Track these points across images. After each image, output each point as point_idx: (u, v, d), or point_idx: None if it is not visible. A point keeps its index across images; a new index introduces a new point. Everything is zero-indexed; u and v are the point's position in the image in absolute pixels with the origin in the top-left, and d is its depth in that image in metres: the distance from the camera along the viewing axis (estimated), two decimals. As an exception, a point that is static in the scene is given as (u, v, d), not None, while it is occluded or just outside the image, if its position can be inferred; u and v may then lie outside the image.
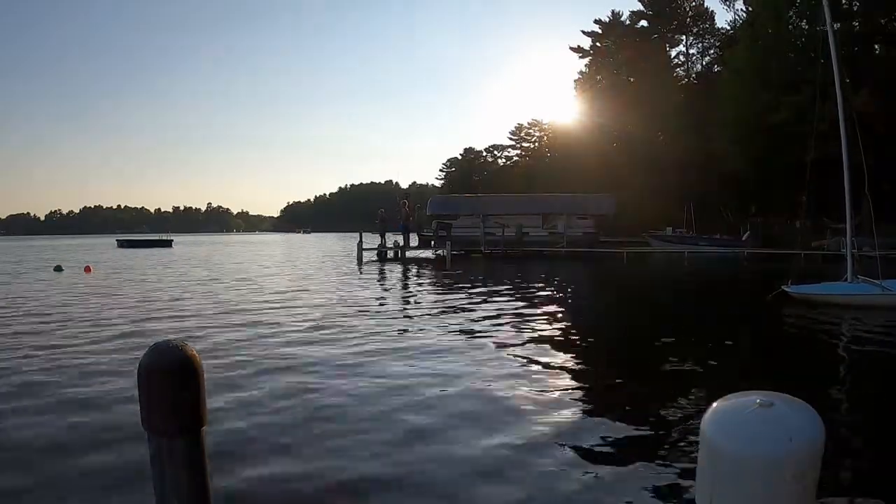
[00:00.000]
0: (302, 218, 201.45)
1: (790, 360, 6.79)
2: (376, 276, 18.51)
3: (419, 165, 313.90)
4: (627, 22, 53.00)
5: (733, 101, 34.14)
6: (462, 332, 8.10)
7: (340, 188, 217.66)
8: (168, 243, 49.40)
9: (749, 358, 6.98)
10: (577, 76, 57.79)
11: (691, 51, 51.59)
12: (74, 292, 13.65)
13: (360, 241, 25.32)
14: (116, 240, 55.54)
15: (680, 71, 51.62)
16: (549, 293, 13.16)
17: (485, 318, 9.30)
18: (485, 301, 11.39)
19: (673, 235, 31.96)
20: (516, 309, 10.35)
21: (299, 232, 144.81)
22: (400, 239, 26.90)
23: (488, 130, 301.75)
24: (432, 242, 28.48)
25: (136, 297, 12.45)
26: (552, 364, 6.19)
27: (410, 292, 13.80)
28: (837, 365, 6.68)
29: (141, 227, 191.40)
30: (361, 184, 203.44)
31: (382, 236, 26.88)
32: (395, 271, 20.08)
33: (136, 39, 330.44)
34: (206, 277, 17.88)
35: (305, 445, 3.87)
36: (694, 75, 50.72)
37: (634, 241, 30.93)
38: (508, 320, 9.05)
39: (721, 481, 0.99)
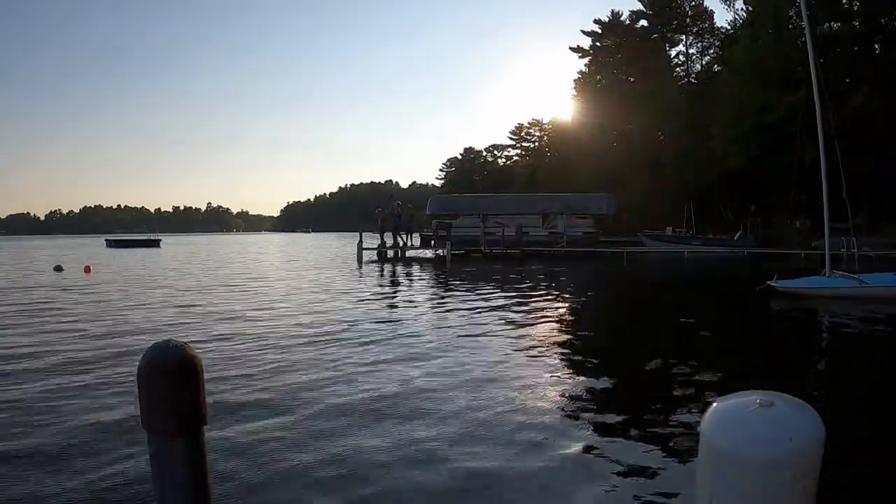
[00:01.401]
0: (302, 218, 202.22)
1: (777, 349, 6.90)
2: (376, 276, 18.53)
3: (419, 165, 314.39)
4: (627, 22, 53.05)
5: (733, 101, 34.17)
6: (461, 331, 8.09)
7: (340, 188, 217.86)
8: (156, 243, 50.10)
9: (741, 350, 7.02)
10: (577, 76, 57.90)
11: (691, 50, 51.66)
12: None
13: (360, 241, 25.31)
14: (105, 240, 55.91)
15: (680, 71, 51.63)
16: (549, 293, 13.17)
17: (484, 317, 9.30)
18: (484, 301, 11.39)
19: (669, 235, 32.00)
20: (515, 308, 10.35)
21: (302, 231, 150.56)
22: (400, 239, 26.84)
23: (488, 130, 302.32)
24: (432, 242, 28.49)
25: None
26: (549, 363, 6.19)
27: (410, 292, 13.82)
28: (819, 351, 7.29)
29: (141, 227, 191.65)
30: (361, 184, 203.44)
31: (382, 235, 26.80)
32: (395, 271, 20.10)
33: (135, 39, 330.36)
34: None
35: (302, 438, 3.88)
36: (694, 75, 50.73)
37: (634, 241, 30.94)
38: (507, 320, 9.05)
39: (721, 481, 0.99)
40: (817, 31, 30.99)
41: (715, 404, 1.06)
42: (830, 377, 5.89)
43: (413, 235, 28.01)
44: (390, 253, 26.49)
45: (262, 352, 6.72)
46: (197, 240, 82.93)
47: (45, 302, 11.66)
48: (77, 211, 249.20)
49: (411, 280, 17.20)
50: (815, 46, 11.68)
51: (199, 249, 41.95)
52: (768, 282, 11.43)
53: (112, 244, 48.75)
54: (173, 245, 52.34)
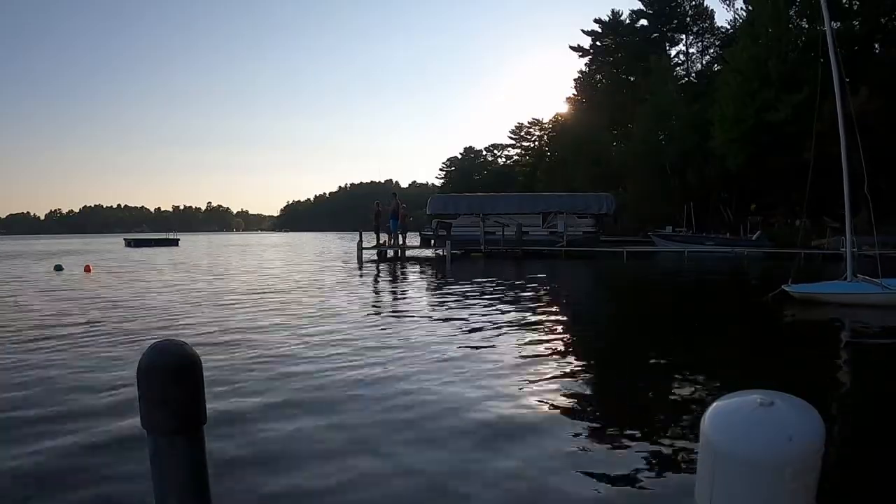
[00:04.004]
0: (302, 218, 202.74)
1: (790, 359, 6.78)
2: (377, 276, 18.54)
3: (419, 165, 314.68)
4: (627, 21, 53.03)
5: (733, 100, 34.13)
6: (463, 331, 8.09)
7: (340, 188, 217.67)
8: (175, 242, 51.62)
9: (749, 357, 6.98)
10: (577, 75, 57.91)
11: (691, 50, 51.64)
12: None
13: (360, 241, 25.25)
14: (124, 239, 56.76)
15: (680, 70, 51.59)
16: (549, 293, 13.17)
17: (484, 317, 9.29)
18: (485, 301, 11.38)
19: (681, 235, 31.98)
20: (516, 308, 10.34)
21: (286, 231, 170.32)
22: (400, 237, 26.74)
23: (488, 130, 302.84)
24: (432, 242, 28.44)
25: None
26: (550, 363, 6.18)
27: (411, 292, 13.82)
28: (839, 364, 6.69)
29: (141, 227, 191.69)
30: (361, 183, 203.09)
31: (377, 233, 26.38)
32: (395, 271, 20.10)
33: (135, 39, 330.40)
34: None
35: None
36: (694, 74, 50.70)
37: (635, 241, 30.88)
38: (508, 320, 9.03)
39: (721, 481, 0.99)
40: (816, 30, 31.00)
41: (715, 404, 1.06)
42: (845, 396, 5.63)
43: (408, 234, 27.86)
44: (390, 252, 26.42)
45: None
46: (197, 239, 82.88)
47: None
48: (77, 210, 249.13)
49: (411, 283, 17.21)
50: (833, 40, 10.85)
51: (195, 251, 42.03)
52: (782, 286, 10.50)
53: (131, 243, 49.08)
54: (185, 244, 52.65)
